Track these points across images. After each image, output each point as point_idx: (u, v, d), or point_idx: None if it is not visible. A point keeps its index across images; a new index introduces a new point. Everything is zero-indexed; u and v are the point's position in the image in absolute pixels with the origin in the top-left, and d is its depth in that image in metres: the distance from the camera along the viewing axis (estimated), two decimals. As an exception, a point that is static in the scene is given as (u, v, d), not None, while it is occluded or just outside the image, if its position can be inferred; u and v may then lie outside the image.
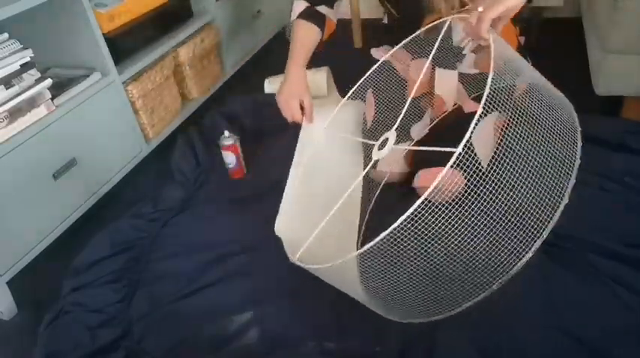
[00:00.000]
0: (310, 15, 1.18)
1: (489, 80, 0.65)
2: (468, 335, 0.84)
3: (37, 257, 1.12)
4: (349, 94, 1.04)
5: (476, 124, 0.62)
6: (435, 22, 0.97)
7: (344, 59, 1.47)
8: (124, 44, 1.38)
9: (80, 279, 1.03)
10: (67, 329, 0.94)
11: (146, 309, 0.99)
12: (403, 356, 0.83)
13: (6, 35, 1.06)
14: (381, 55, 1.21)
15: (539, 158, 0.74)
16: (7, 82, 1.05)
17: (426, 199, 0.63)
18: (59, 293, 1.02)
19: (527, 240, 0.72)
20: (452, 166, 0.62)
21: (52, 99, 1.15)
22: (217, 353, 0.88)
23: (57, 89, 1.17)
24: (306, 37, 1.18)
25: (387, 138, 0.83)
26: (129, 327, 0.95)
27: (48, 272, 1.15)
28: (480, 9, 0.79)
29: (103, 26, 1.28)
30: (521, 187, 0.70)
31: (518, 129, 0.74)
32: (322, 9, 1.19)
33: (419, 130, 1.17)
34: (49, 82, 1.13)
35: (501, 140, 0.82)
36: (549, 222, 0.71)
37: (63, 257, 1.13)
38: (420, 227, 0.66)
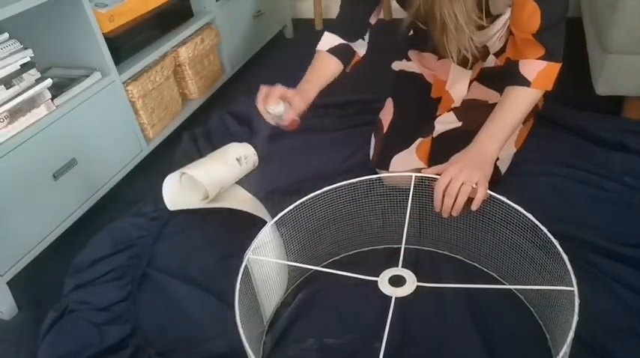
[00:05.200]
0: (340, 51, 1.09)
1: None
2: (470, 332, 0.84)
3: (37, 257, 1.12)
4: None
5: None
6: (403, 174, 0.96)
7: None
8: (124, 44, 1.38)
9: (83, 277, 1.03)
10: (75, 328, 0.93)
11: (152, 307, 0.98)
12: (403, 353, 0.83)
13: (6, 35, 1.05)
14: (400, 67, 1.23)
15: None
16: (7, 82, 1.05)
17: None
18: (61, 291, 1.02)
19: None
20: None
21: (52, 99, 1.15)
22: (222, 349, 0.88)
23: (57, 89, 1.17)
24: (327, 71, 1.09)
25: (402, 277, 0.75)
26: (137, 325, 0.95)
27: (48, 272, 1.15)
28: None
29: (103, 26, 1.28)
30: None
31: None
32: (357, 45, 1.10)
33: (441, 125, 1.14)
34: (49, 82, 1.13)
35: None
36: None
37: (63, 257, 1.13)
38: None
